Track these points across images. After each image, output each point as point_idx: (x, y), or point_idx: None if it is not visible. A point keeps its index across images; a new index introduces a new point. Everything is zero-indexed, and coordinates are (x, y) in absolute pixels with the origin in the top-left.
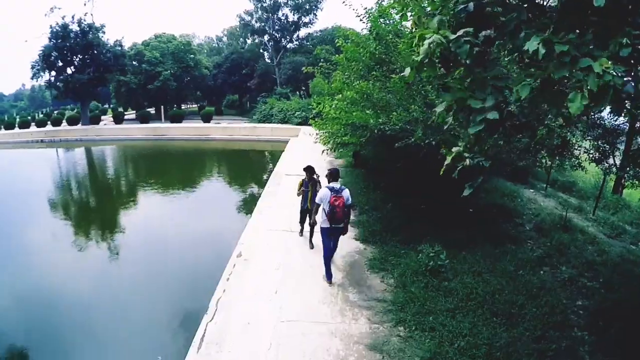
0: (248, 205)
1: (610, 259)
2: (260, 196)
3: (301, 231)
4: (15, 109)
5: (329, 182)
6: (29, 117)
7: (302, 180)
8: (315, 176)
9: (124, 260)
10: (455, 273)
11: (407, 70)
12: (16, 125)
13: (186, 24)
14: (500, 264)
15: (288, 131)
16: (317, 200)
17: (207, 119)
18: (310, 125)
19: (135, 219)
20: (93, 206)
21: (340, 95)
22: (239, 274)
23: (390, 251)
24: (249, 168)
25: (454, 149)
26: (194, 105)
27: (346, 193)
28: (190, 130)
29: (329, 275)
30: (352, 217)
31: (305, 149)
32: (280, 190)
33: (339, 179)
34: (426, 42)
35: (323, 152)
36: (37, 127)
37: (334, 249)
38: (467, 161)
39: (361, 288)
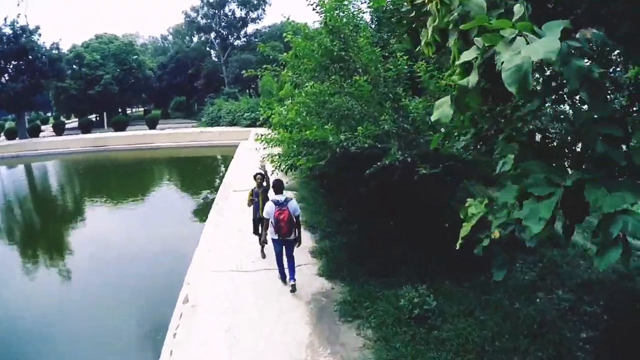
0: (195, 225)
1: (606, 277)
2: (206, 218)
3: (262, 251)
4: None
5: (275, 194)
6: None
7: (252, 190)
8: (265, 184)
9: (51, 300)
10: (444, 317)
11: (444, 106)
12: None
13: (129, 23)
14: (492, 296)
15: (237, 134)
16: (264, 214)
17: (152, 124)
18: (259, 131)
19: (68, 248)
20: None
21: (289, 101)
22: (187, 327)
23: (364, 291)
24: (195, 179)
25: (471, 210)
26: (140, 109)
27: (292, 204)
28: (132, 139)
29: (282, 276)
30: (313, 244)
31: (256, 154)
32: (227, 209)
33: (284, 190)
34: (521, 56)
35: (273, 172)
36: None
37: (290, 260)
38: (497, 232)
39: (334, 347)
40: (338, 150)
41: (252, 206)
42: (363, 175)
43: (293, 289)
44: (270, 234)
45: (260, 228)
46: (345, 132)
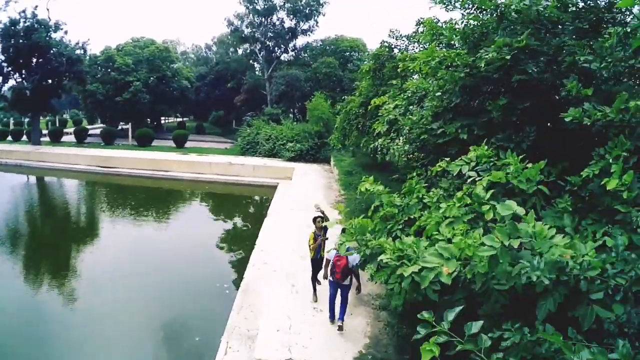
0: None
1: None
2: None
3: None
4: None
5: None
6: None
7: (314, 232)
8: (324, 224)
9: None
10: None
11: None
12: None
13: (174, 29)
14: None
15: (276, 171)
16: (326, 255)
17: (180, 142)
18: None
19: None
20: None
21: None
22: None
23: None
24: (203, 247)
25: None
26: (176, 120)
27: (352, 257)
28: (147, 163)
29: (332, 315)
30: None
31: (301, 205)
32: None
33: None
34: None
35: None
36: None
37: (344, 302)
38: None
39: None
40: None
41: (313, 247)
42: None
43: (340, 329)
44: (329, 275)
45: (320, 271)
46: None
